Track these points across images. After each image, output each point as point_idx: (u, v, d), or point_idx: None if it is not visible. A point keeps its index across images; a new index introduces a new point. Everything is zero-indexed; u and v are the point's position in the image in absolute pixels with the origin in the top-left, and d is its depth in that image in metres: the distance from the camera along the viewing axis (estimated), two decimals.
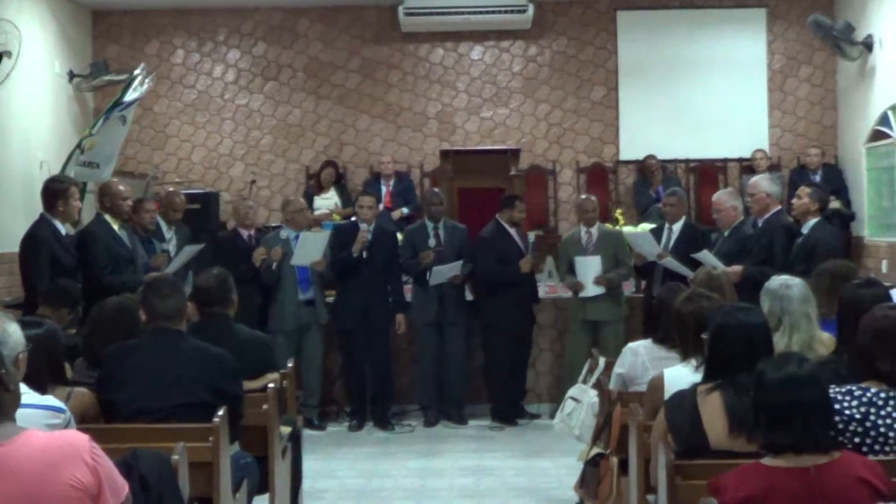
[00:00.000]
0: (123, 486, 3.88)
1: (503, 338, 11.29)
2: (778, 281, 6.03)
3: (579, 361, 10.33)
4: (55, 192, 9.26)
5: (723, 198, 10.41)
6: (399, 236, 11.93)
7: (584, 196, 11.96)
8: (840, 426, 4.40)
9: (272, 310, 11.16)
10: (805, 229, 9.42)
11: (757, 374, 4.12)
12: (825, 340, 5.77)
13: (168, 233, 11.02)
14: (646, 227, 12.28)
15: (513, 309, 11.25)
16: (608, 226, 12.11)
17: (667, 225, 11.04)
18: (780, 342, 5.67)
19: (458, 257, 11.35)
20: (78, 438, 3.77)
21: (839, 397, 4.48)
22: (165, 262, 10.27)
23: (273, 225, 13.29)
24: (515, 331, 11.34)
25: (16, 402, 3.81)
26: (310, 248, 10.95)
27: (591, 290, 11.17)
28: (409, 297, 11.61)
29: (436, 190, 12.10)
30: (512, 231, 11.42)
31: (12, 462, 3.61)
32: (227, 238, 11.70)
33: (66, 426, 4.76)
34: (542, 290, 11.86)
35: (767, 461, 4.00)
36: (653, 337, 6.58)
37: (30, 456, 3.63)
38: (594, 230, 11.41)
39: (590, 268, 11.17)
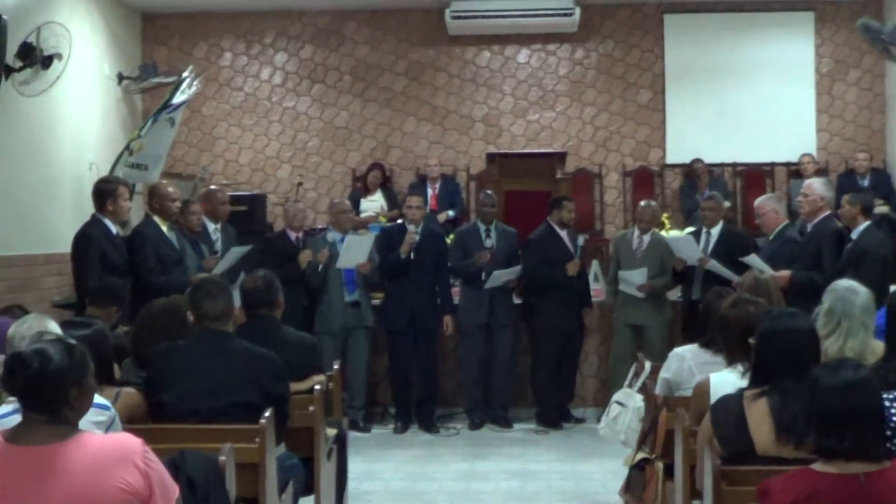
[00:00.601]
0: (174, 491, 3.92)
1: (550, 340, 11.30)
2: (845, 283, 5.98)
3: (623, 365, 10.51)
4: (104, 192, 9.42)
5: (764, 202, 10.40)
6: (447, 238, 11.96)
7: (644, 202, 11.94)
8: (888, 433, 4.38)
9: (318, 311, 11.24)
10: (854, 234, 9.37)
11: (812, 378, 4.08)
12: (877, 350, 5.73)
13: (215, 233, 11.07)
14: (689, 230, 12.29)
15: (560, 311, 11.27)
16: (660, 233, 12.10)
17: (705, 229, 11.05)
18: (833, 345, 5.64)
19: (509, 260, 11.37)
20: (131, 442, 3.81)
21: (887, 404, 4.46)
22: (217, 261, 10.35)
23: (319, 227, 13.33)
24: (562, 333, 11.35)
25: (79, 416, 3.87)
26: (355, 251, 10.99)
27: (630, 289, 11.27)
28: (455, 299, 11.63)
29: (489, 192, 12.06)
30: (563, 233, 11.44)
31: (66, 462, 3.65)
32: (274, 239, 11.73)
33: (112, 423, 4.83)
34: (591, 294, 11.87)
35: (817, 467, 3.97)
36: (699, 341, 6.56)
37: (83, 457, 3.67)
38: (647, 236, 11.44)
39: (634, 278, 11.20)
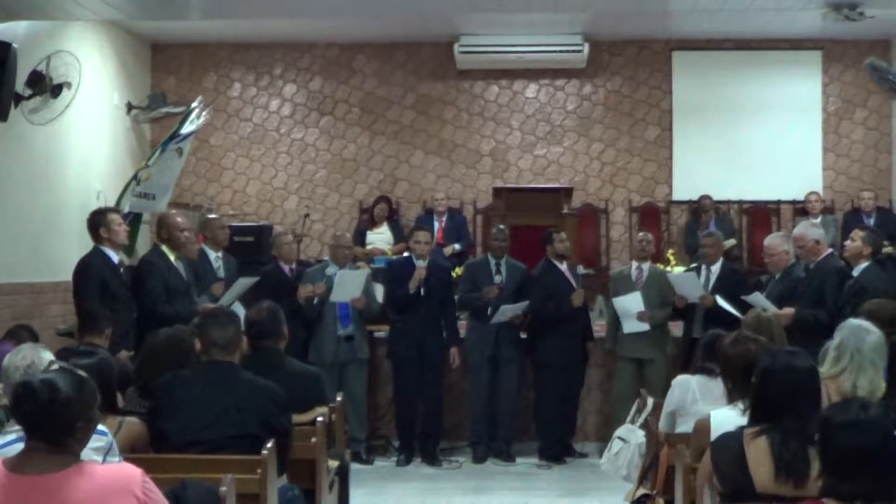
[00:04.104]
0: None
1: (553, 375, 11.27)
2: (857, 322, 5.97)
3: (625, 399, 10.50)
4: (95, 222, 9.45)
5: (775, 241, 10.38)
6: (453, 272, 11.96)
7: (642, 234, 11.95)
8: None
9: (312, 344, 11.18)
10: (855, 272, 9.39)
11: (822, 419, 4.07)
12: (883, 388, 5.74)
13: (216, 261, 11.01)
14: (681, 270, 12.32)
15: (564, 346, 11.24)
16: (659, 265, 12.06)
17: (704, 266, 11.04)
18: (846, 381, 5.67)
19: (517, 296, 11.34)
20: (131, 471, 3.82)
21: None
22: (223, 290, 10.32)
23: (317, 260, 13.30)
24: (566, 368, 11.32)
25: (81, 447, 3.89)
26: (348, 285, 10.96)
27: (632, 325, 11.18)
28: (462, 332, 11.61)
29: (501, 227, 11.95)
30: (563, 267, 11.43)
31: (66, 491, 3.67)
32: (269, 273, 11.53)
33: (109, 449, 4.83)
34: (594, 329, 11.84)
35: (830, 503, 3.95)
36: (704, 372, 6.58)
37: (82, 487, 3.68)
38: (645, 267, 11.42)
39: (630, 305, 11.16)
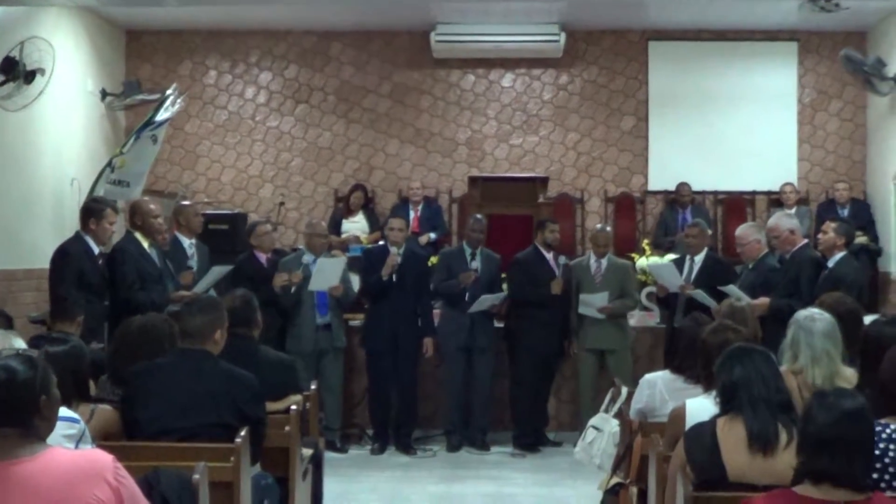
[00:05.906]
0: None
1: (531, 364, 11.27)
2: (805, 312, 5.97)
3: (588, 388, 10.85)
4: (90, 210, 9.44)
5: (746, 231, 10.38)
6: (429, 261, 11.94)
7: (598, 227, 12.01)
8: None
9: (290, 333, 11.12)
10: (830, 263, 9.41)
11: (807, 406, 4.07)
12: (848, 376, 5.72)
13: (190, 248, 10.92)
14: (659, 259, 12.31)
15: (542, 335, 11.23)
16: (617, 258, 12.02)
17: (688, 256, 11.02)
18: (809, 377, 5.66)
19: (492, 285, 11.35)
20: (102, 458, 3.79)
21: None
22: (193, 279, 10.25)
23: (292, 248, 13.25)
24: (543, 357, 11.32)
25: (50, 428, 3.86)
26: (327, 273, 10.92)
27: (587, 310, 11.20)
28: (436, 321, 11.58)
29: (479, 217, 11.90)
30: (549, 256, 11.42)
31: (35, 479, 3.63)
32: (244, 262, 11.43)
33: (81, 436, 4.82)
34: None
35: (799, 490, 3.94)
36: (670, 367, 6.58)
37: (53, 473, 3.65)
38: (604, 261, 11.42)
39: (595, 301, 11.14)
